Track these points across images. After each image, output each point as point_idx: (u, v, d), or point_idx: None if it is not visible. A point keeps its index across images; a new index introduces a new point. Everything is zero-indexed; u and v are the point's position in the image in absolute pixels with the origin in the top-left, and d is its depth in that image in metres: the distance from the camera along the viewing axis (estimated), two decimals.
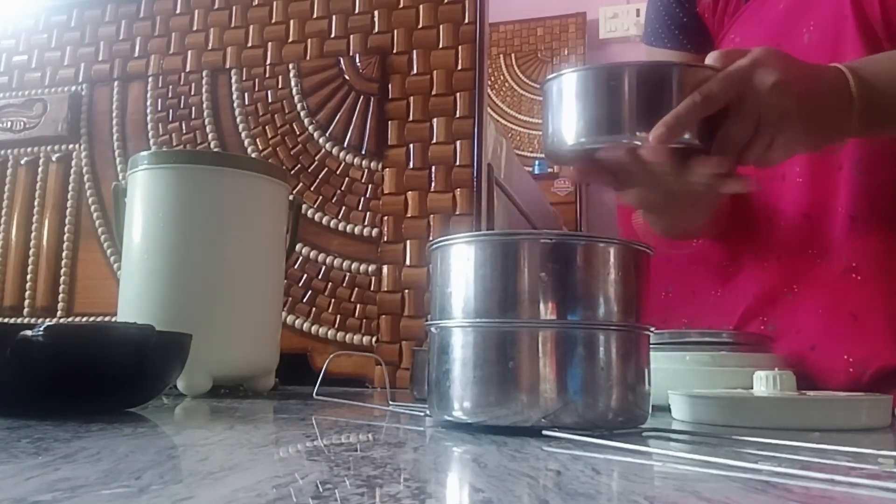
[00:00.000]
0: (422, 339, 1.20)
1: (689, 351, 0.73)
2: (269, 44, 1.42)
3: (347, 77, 1.35)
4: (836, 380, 0.73)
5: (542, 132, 0.67)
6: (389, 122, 1.32)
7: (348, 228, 1.30)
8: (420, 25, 1.34)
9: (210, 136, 1.42)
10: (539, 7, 2.71)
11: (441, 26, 1.32)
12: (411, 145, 1.29)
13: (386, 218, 1.28)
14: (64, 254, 1.45)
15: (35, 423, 0.48)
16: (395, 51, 1.34)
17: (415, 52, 1.33)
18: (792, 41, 0.80)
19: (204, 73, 1.45)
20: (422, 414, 0.59)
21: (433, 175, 1.27)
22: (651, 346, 0.53)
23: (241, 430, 0.50)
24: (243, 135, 1.40)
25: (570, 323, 0.48)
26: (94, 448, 0.38)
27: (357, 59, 1.36)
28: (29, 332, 0.52)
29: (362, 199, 1.30)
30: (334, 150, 1.33)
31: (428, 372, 0.54)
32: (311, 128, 1.36)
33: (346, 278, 1.28)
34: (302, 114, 1.37)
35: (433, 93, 1.30)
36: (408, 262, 1.25)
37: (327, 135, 1.34)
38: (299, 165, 1.35)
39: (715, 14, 0.93)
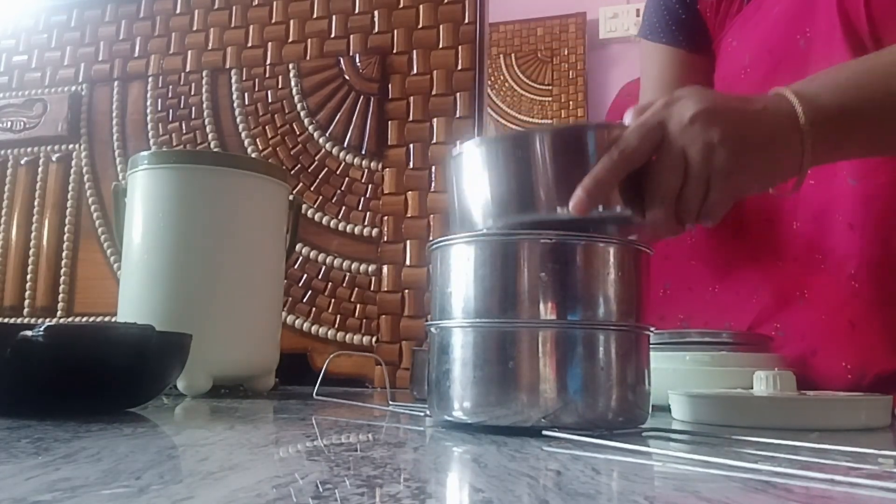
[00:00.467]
0: (422, 339, 1.20)
1: (688, 351, 0.73)
2: (269, 44, 1.42)
3: (347, 77, 1.35)
4: (835, 386, 0.73)
5: (450, 214, 0.60)
6: (389, 122, 1.32)
7: (348, 228, 1.30)
8: (420, 25, 1.34)
9: (210, 136, 1.41)
10: (539, 7, 2.71)
11: (441, 26, 1.32)
12: (411, 145, 1.29)
13: (386, 218, 1.28)
14: (64, 254, 1.45)
15: (35, 423, 0.48)
16: (395, 51, 1.34)
17: (415, 52, 1.33)
18: (788, 45, 0.80)
19: (204, 73, 1.45)
20: (422, 414, 0.59)
21: (433, 175, 1.27)
22: (651, 345, 0.53)
23: (241, 430, 0.50)
24: (243, 135, 1.40)
25: (570, 323, 0.48)
26: (94, 448, 0.38)
27: (357, 59, 1.36)
28: (29, 333, 0.52)
29: (362, 199, 1.30)
30: (334, 150, 1.33)
31: (428, 372, 0.54)
32: (311, 128, 1.36)
33: (346, 278, 1.28)
34: (302, 114, 1.37)
35: (433, 93, 1.30)
36: (408, 262, 1.25)
37: (327, 135, 1.34)
38: (299, 165, 1.35)
39: (717, 13, 0.92)
